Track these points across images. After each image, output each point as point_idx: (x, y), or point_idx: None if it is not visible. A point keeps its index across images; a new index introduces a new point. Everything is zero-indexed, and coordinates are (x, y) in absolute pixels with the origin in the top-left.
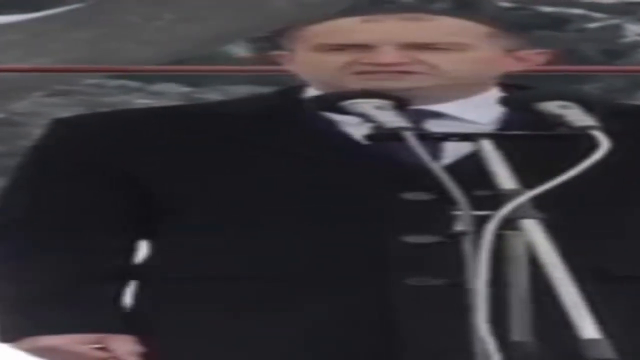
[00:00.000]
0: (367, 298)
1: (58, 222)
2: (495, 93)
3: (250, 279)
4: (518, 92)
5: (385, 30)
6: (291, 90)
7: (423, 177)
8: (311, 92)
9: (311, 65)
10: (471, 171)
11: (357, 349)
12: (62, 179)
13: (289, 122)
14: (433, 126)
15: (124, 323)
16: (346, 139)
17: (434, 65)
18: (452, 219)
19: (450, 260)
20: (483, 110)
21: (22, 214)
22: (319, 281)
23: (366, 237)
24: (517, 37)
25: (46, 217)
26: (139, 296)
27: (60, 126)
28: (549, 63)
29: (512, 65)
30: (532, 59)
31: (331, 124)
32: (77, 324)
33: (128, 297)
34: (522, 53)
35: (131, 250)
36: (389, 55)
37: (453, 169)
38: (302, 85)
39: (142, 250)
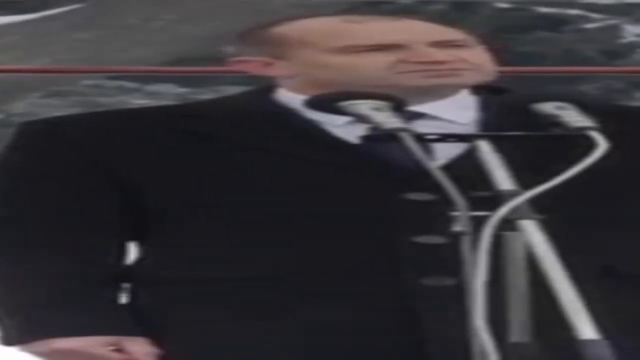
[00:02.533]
0: (382, 300)
1: (47, 225)
2: (465, 95)
3: (254, 281)
4: (515, 94)
5: (409, 30)
6: (263, 90)
7: (423, 178)
8: (283, 93)
9: (338, 67)
10: (463, 172)
11: (373, 352)
12: (40, 181)
13: (279, 123)
14: (415, 126)
15: (136, 325)
16: (337, 140)
17: (474, 62)
18: (453, 219)
19: (461, 260)
20: (459, 110)
21: (9, 216)
22: (327, 284)
23: (375, 238)
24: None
25: (33, 219)
26: (134, 298)
27: (30, 128)
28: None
29: None
30: None
31: (319, 124)
32: (92, 326)
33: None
34: None
35: (121, 252)
36: (438, 54)
37: (445, 170)
38: (272, 86)
39: (132, 253)
